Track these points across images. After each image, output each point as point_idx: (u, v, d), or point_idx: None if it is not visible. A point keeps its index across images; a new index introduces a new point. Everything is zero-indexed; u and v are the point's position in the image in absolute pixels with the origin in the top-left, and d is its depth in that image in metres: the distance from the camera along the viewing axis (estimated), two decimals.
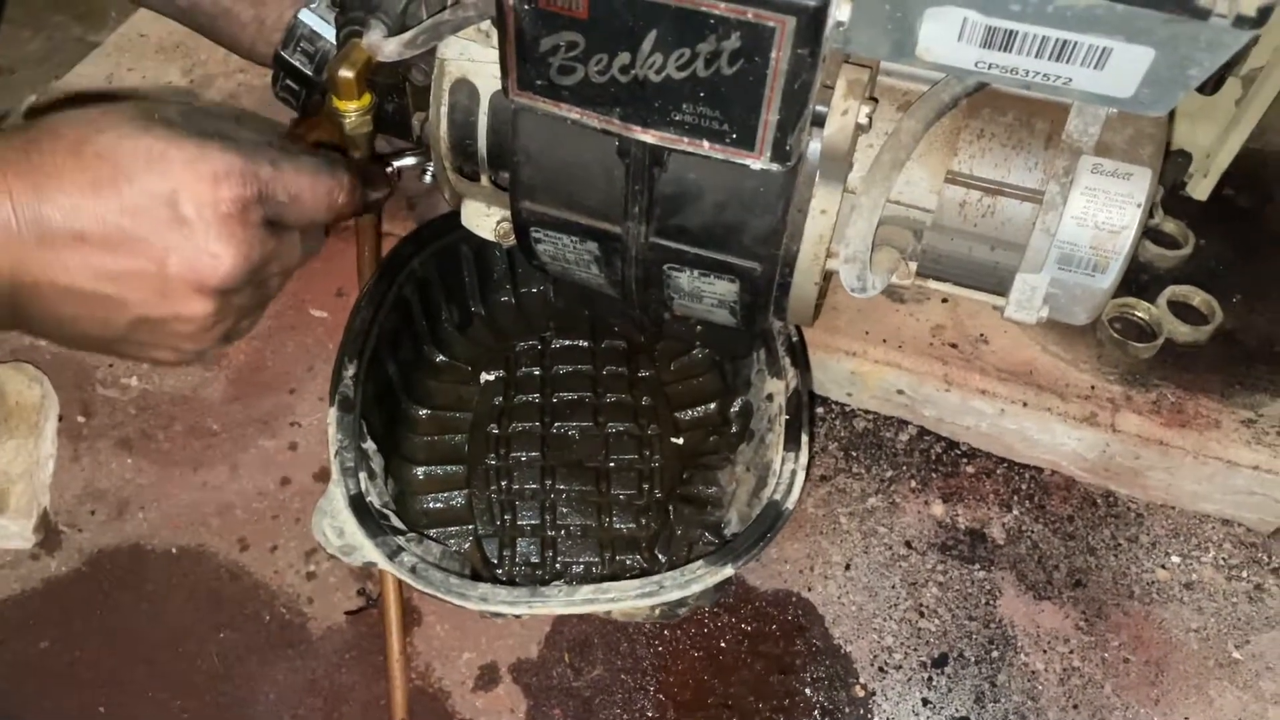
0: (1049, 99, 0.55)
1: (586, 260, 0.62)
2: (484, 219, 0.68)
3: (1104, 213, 0.54)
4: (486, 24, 0.58)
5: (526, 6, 0.49)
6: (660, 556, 0.73)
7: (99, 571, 0.75)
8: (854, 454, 0.82)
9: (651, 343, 0.83)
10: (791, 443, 0.66)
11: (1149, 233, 0.86)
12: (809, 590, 0.75)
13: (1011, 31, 0.46)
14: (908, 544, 0.78)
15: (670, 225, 0.57)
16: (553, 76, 0.52)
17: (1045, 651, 0.73)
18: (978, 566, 0.77)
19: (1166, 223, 0.86)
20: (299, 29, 0.73)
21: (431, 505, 0.75)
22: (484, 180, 0.65)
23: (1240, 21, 0.41)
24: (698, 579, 0.60)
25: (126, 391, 0.83)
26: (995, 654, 0.72)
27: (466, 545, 0.74)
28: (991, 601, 0.75)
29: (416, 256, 0.78)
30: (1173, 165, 0.87)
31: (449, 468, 0.77)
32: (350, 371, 0.70)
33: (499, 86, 0.57)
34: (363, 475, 0.66)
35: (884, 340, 0.81)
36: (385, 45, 0.60)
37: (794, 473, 0.65)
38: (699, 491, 0.74)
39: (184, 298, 0.53)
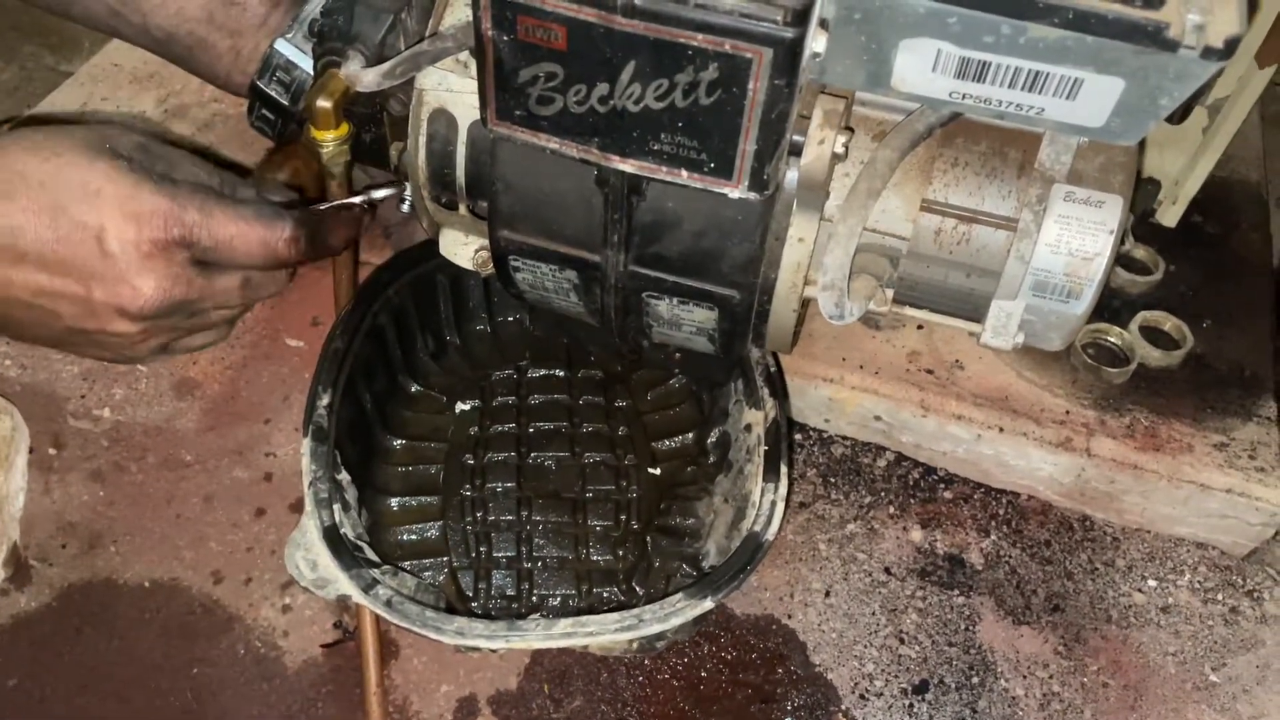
0: (1022, 128, 0.56)
1: (565, 289, 0.62)
2: (462, 248, 0.68)
3: (1077, 240, 0.55)
4: (465, 54, 0.59)
5: (505, 38, 0.50)
6: (638, 589, 0.73)
7: (70, 606, 0.73)
8: (832, 480, 0.82)
9: (628, 372, 0.83)
10: (771, 473, 0.66)
11: (1120, 259, 0.87)
12: (789, 617, 0.75)
13: (985, 63, 0.47)
14: (887, 570, 0.78)
15: (649, 253, 0.57)
16: (531, 107, 0.52)
17: (1025, 677, 0.73)
18: (957, 592, 0.77)
19: (1137, 249, 0.88)
20: (275, 59, 0.73)
21: (406, 537, 0.75)
22: (462, 209, 0.65)
23: (1208, 53, 0.42)
24: (678, 612, 0.60)
25: (99, 423, 0.82)
26: (975, 680, 0.72)
27: (441, 578, 0.73)
28: (971, 627, 0.75)
29: (392, 285, 0.78)
30: (1142, 193, 0.88)
31: (423, 499, 0.76)
32: (324, 401, 0.70)
33: (477, 116, 0.57)
34: (337, 507, 0.66)
35: (860, 366, 0.82)
36: (364, 76, 0.60)
37: (774, 504, 0.64)
38: (677, 523, 0.74)
39: (108, 319, 0.59)
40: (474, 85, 0.55)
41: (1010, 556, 0.79)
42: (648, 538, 0.74)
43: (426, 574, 0.73)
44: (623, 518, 0.76)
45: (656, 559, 0.72)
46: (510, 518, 0.75)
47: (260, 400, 0.84)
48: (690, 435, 0.80)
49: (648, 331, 0.63)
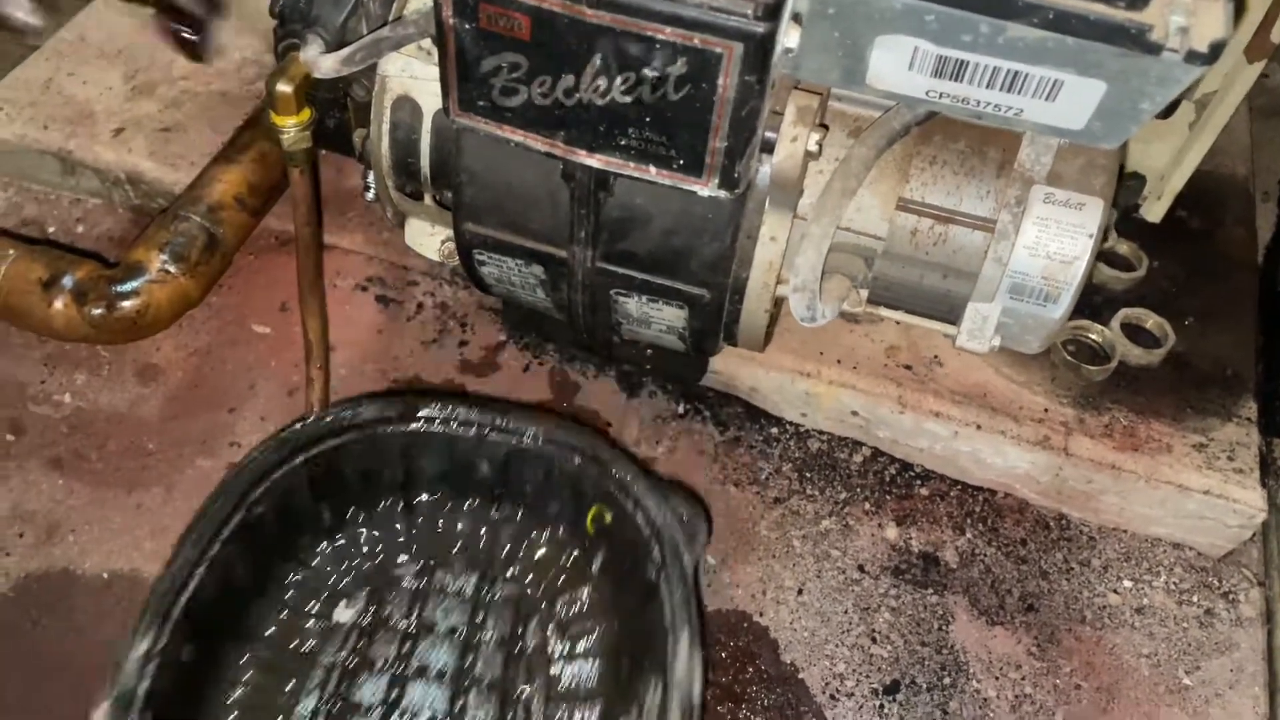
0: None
1: (532, 284, 0.60)
2: (428, 239, 0.67)
3: (1056, 243, 0.53)
4: (429, 41, 0.57)
5: (467, 26, 0.48)
6: None
7: (26, 597, 0.72)
8: (808, 475, 0.81)
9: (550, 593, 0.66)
10: None
11: (1103, 255, 0.86)
12: (760, 615, 0.74)
13: (963, 62, 0.45)
14: (861, 568, 0.77)
15: (617, 250, 0.55)
16: (495, 98, 0.50)
17: (997, 678, 0.72)
18: (930, 591, 0.76)
19: (1120, 245, 0.86)
20: None
21: None
22: (427, 199, 0.63)
23: (1192, 56, 0.40)
24: None
25: (59, 409, 0.81)
26: (947, 681, 0.72)
27: None
28: (944, 627, 0.74)
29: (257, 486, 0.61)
30: (1126, 188, 0.86)
31: None
32: (142, 648, 0.53)
33: None
34: None
35: (838, 361, 0.80)
36: (322, 62, 0.58)
37: None
38: None
39: None
40: (438, 73, 0.53)
41: (985, 555, 0.78)
42: None
43: None
44: None
45: None
46: None
47: (225, 388, 0.83)
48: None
49: (617, 329, 0.62)
